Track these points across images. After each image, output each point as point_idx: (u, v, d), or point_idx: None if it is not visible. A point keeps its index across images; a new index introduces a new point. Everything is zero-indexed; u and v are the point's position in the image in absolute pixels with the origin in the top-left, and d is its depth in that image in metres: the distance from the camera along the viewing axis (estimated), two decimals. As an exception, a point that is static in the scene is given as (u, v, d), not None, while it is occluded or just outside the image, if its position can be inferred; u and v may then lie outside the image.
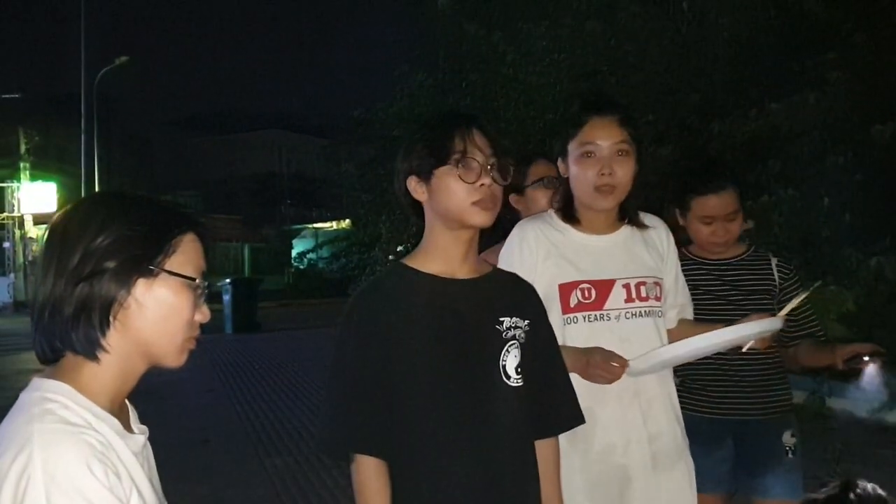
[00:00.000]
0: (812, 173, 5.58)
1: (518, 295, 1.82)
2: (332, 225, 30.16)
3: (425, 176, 1.69)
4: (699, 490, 2.68)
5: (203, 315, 1.21)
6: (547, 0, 7.97)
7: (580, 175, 2.09)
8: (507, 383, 1.70)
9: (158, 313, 1.16)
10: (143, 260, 1.14)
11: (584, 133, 2.08)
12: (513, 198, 2.76)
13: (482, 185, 1.67)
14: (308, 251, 30.64)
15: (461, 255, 1.73)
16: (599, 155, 2.06)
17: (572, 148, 2.11)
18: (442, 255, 1.73)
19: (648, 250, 2.21)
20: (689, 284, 2.60)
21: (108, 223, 1.14)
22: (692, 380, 2.65)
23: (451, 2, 8.84)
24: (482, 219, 1.69)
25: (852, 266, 4.81)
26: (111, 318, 1.12)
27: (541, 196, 2.72)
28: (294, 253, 34.58)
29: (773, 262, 2.75)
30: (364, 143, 11.51)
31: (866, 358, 2.43)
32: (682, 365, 2.60)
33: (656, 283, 2.17)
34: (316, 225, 34.72)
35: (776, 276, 2.72)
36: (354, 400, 1.63)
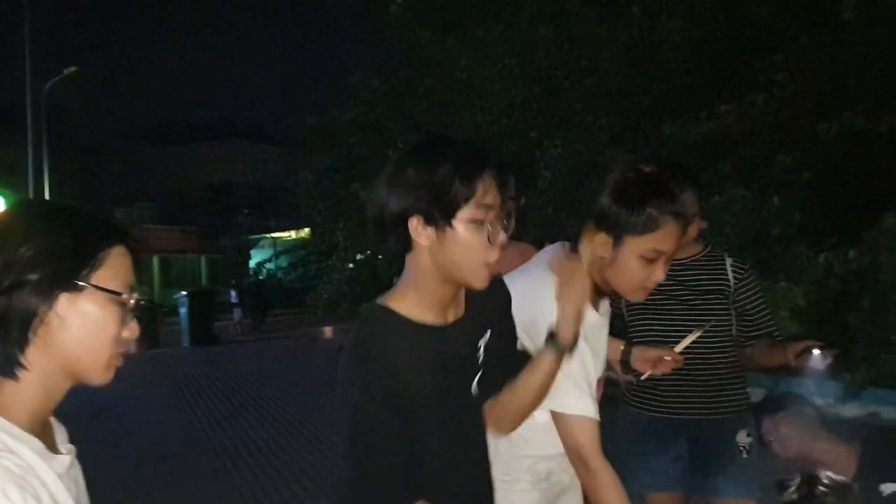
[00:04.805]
0: (762, 173, 5.66)
1: (487, 304, 1.69)
2: (291, 234, 29.91)
3: (438, 222, 1.45)
4: (655, 490, 2.69)
5: (131, 331, 1.16)
6: (500, 5, 8.01)
7: (636, 272, 1.87)
8: (476, 399, 1.67)
9: (82, 329, 1.10)
10: (67, 273, 1.09)
11: (659, 237, 1.82)
12: None
13: (501, 244, 1.49)
14: (266, 261, 30.36)
15: (452, 299, 1.59)
16: (661, 259, 1.86)
17: (634, 242, 1.83)
18: (435, 303, 1.55)
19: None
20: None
21: (31, 233, 1.09)
22: (645, 379, 2.65)
23: (403, 8, 8.83)
24: (486, 283, 1.52)
25: (803, 263, 4.88)
26: (30, 334, 1.07)
27: None
28: (252, 263, 34.25)
29: (728, 261, 2.76)
30: (320, 150, 11.44)
31: (815, 351, 2.46)
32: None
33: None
34: (274, 234, 34.43)
35: (731, 276, 2.73)
36: (382, 467, 1.53)
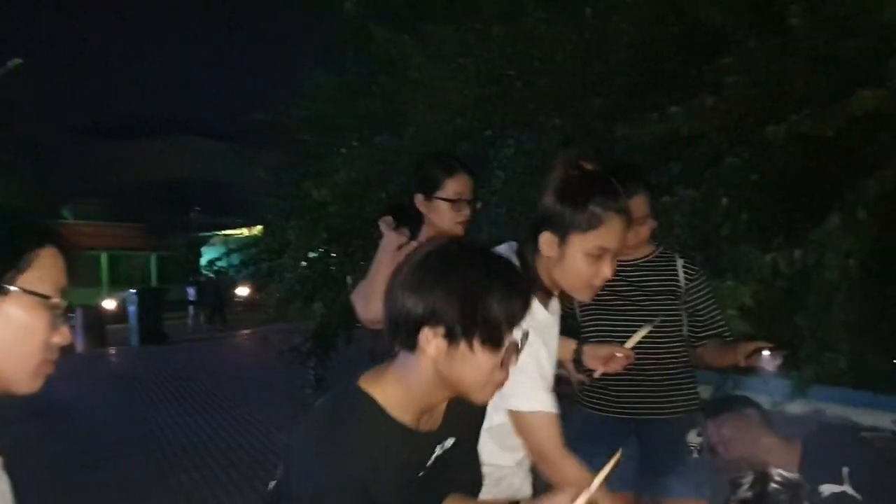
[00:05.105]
0: (711, 174, 5.72)
1: (462, 414, 1.61)
2: (243, 231, 29.47)
3: (457, 339, 1.39)
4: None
5: (62, 336, 1.11)
6: (454, 3, 7.97)
7: (582, 270, 1.86)
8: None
9: (9, 335, 1.05)
10: None
11: (602, 234, 1.82)
12: (419, 198, 2.72)
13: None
14: (217, 259, 29.88)
15: (436, 408, 1.55)
16: (607, 256, 1.86)
17: (579, 240, 1.83)
18: (420, 409, 1.49)
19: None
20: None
21: None
22: (595, 378, 2.66)
23: (358, 6, 8.75)
24: (489, 399, 1.50)
25: (750, 262, 4.95)
26: None
27: (448, 213, 2.69)
28: (203, 261, 33.67)
29: (679, 262, 2.78)
30: (270, 146, 11.28)
31: (765, 352, 2.50)
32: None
33: None
34: (226, 232, 33.89)
35: (682, 277, 2.75)
36: None
